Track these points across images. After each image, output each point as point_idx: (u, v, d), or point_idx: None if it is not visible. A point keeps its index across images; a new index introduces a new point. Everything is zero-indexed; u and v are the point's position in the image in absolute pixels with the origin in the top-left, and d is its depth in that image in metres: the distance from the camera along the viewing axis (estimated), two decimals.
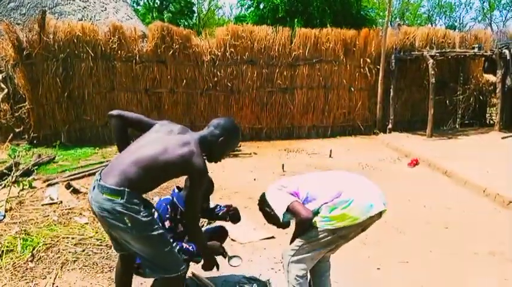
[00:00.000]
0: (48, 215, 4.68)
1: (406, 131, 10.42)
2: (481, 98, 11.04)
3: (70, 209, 4.87)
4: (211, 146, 2.54)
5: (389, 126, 10.34)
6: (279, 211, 2.53)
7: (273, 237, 4.31)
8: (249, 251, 4.03)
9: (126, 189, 2.20)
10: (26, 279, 3.42)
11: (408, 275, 3.58)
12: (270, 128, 10.25)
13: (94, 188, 2.29)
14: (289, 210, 2.50)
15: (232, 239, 4.24)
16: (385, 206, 2.51)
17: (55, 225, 4.41)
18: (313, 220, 2.48)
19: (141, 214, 2.23)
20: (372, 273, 3.62)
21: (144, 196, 2.38)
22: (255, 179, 6.52)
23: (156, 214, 2.79)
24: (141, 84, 9.46)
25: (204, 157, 2.47)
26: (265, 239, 4.30)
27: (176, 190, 3.09)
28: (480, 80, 10.96)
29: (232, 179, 6.53)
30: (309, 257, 2.55)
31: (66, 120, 8.97)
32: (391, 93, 10.33)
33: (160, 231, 2.32)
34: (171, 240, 2.84)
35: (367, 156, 8.09)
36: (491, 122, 11.01)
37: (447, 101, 10.84)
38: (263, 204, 2.81)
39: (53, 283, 3.36)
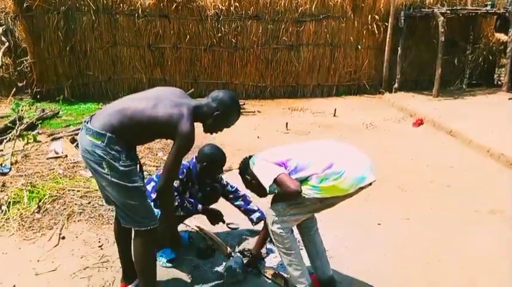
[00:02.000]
0: (54, 169, 4.72)
1: (412, 90, 10.27)
2: (490, 58, 10.78)
3: (75, 163, 4.91)
4: (206, 118, 2.43)
5: (396, 85, 10.18)
6: (266, 183, 2.44)
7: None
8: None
9: (108, 133, 2.21)
10: (33, 229, 3.50)
11: (408, 231, 3.63)
12: (274, 86, 10.12)
13: (82, 129, 2.33)
14: (277, 182, 2.42)
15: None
16: (375, 177, 2.46)
17: (60, 178, 4.46)
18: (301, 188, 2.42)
19: (120, 162, 2.23)
20: (373, 228, 3.67)
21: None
22: (258, 137, 6.51)
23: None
24: (144, 39, 9.27)
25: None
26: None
27: (194, 160, 3.17)
28: (491, 39, 10.65)
29: (235, 137, 6.49)
30: (293, 219, 2.54)
31: (69, 75, 8.87)
32: (399, 52, 10.09)
33: (137, 184, 2.29)
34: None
35: (371, 115, 8.03)
36: (499, 82, 10.79)
37: (455, 61, 10.60)
38: (244, 170, 2.74)
39: (60, 234, 3.44)
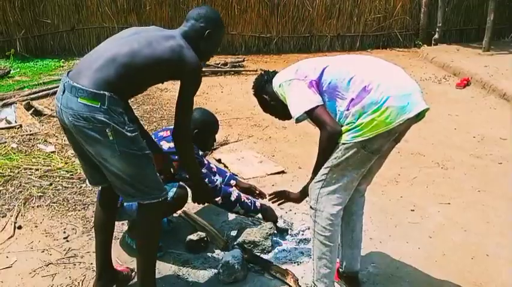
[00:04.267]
0: (6, 142, 4.73)
1: (457, 42, 10.18)
2: None
3: (32, 134, 4.92)
4: (197, 43, 2.56)
5: (436, 36, 10.08)
6: (295, 111, 2.49)
7: (283, 172, 4.36)
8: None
9: (107, 93, 2.21)
10: None
11: (448, 219, 3.64)
12: (281, 37, 10.02)
13: (64, 91, 2.29)
14: (310, 114, 2.45)
15: (234, 174, 4.30)
16: (426, 104, 2.39)
17: (14, 154, 4.47)
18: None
19: (126, 127, 2.27)
20: (404, 216, 3.69)
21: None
22: None
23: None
24: None
25: None
26: (273, 174, 4.36)
27: None
28: None
29: (233, 102, 6.50)
30: (343, 187, 2.49)
31: (21, 23, 8.76)
32: None
33: (146, 151, 2.40)
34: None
35: None
36: None
37: None
38: (260, 88, 2.83)
39: (15, 222, 3.47)
